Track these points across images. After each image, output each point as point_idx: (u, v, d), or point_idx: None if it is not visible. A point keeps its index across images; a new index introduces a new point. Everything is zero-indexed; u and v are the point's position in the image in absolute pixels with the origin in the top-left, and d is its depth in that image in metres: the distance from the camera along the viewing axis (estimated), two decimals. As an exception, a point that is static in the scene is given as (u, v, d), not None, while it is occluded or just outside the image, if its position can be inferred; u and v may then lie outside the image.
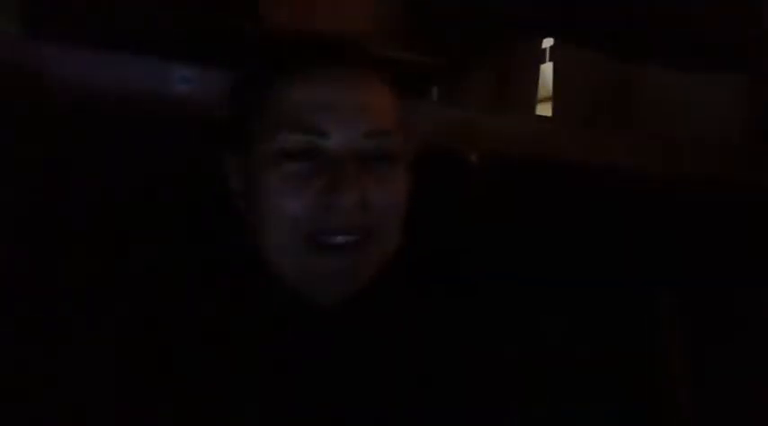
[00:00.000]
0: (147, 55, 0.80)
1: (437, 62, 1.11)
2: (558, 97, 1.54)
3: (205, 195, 0.70)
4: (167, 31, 0.87)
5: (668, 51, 1.13)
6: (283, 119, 0.56)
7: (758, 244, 1.06)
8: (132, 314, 0.58)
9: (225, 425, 0.56)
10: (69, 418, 0.54)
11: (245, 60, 0.65)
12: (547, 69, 1.61)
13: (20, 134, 0.72)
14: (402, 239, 0.60)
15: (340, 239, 0.55)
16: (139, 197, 0.76)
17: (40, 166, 0.73)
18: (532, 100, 1.48)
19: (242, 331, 0.58)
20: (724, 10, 1.01)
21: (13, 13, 0.78)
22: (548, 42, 1.51)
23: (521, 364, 0.64)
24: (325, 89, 0.56)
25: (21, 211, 0.71)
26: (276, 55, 0.61)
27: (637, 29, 1.08)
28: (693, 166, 1.13)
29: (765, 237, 1.06)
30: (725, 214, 1.07)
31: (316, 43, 0.60)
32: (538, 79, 1.49)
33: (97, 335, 0.58)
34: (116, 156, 0.76)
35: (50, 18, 0.82)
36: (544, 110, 1.57)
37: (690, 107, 1.25)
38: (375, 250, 0.58)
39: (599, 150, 1.08)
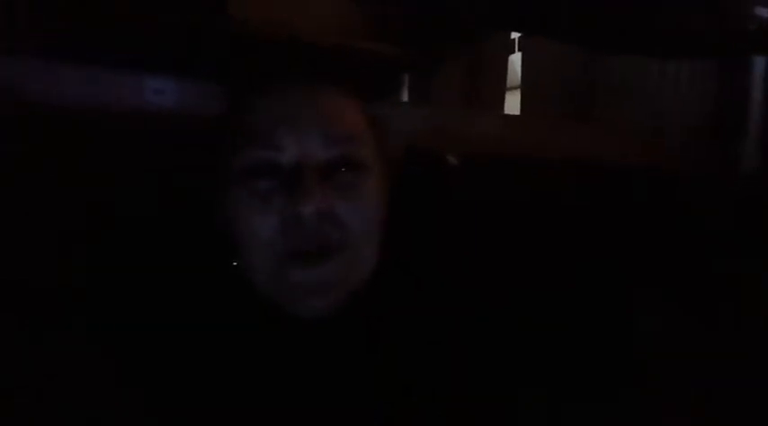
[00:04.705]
0: (120, 66, 0.78)
1: (408, 54, 1.09)
2: (526, 88, 1.54)
3: (188, 209, 0.69)
4: (140, 37, 0.84)
5: (638, 42, 1.13)
6: (245, 136, 0.56)
7: (725, 234, 1.07)
8: (116, 332, 0.57)
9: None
10: (56, 418, 0.54)
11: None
12: (514, 59, 1.61)
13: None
14: (381, 254, 0.58)
15: (310, 258, 0.54)
16: (121, 210, 0.75)
17: (16, 181, 0.71)
18: (501, 91, 1.47)
19: (223, 346, 0.57)
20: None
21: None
22: (516, 32, 1.50)
23: (510, 371, 0.63)
24: (282, 103, 0.56)
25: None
26: (242, 76, 0.61)
27: (606, 19, 1.07)
28: (660, 158, 1.13)
29: (731, 227, 1.08)
30: (697, 206, 1.08)
31: (280, 61, 0.60)
32: (506, 70, 1.48)
33: (75, 347, 0.57)
34: (96, 169, 0.74)
35: (24, 33, 0.79)
36: (511, 99, 1.57)
37: (658, 98, 1.25)
38: (349, 266, 0.56)
39: (571, 144, 1.07)
